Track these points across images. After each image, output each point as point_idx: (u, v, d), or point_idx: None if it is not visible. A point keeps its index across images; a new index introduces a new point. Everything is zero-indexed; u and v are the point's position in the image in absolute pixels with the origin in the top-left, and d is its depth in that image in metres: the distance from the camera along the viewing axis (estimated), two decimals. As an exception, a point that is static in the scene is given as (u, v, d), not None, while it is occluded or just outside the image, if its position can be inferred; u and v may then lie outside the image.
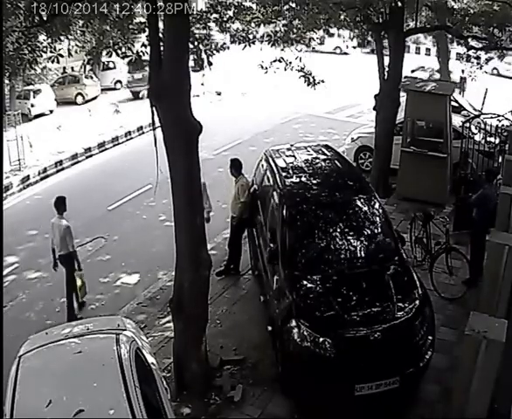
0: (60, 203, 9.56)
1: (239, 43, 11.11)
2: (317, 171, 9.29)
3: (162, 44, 6.60)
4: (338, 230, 8.01)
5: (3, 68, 7.75)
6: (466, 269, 9.42)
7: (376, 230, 8.26)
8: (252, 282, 9.96)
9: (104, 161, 19.40)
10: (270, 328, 7.68)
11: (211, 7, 10.48)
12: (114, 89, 30.23)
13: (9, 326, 8.08)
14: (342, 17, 12.36)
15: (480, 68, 21.37)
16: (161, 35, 6.67)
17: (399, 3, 11.31)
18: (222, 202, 12.85)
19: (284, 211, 8.07)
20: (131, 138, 21.74)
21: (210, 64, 9.90)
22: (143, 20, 8.23)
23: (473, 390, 4.56)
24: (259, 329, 8.34)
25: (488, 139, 12.81)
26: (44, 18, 6.92)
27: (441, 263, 9.37)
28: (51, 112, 26.02)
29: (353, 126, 19.06)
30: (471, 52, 15.23)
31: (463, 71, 24.58)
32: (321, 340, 6.60)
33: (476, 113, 15.63)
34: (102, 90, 29.70)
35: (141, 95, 26.50)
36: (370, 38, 14.14)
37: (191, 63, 8.52)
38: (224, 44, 10.90)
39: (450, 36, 19.36)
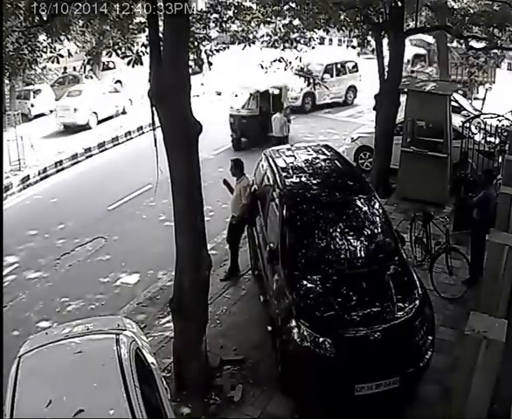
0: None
1: (239, 43, 11.11)
2: (317, 171, 9.29)
3: (162, 44, 6.60)
4: (338, 229, 8.00)
5: (3, 68, 7.76)
6: (466, 269, 9.42)
7: (376, 230, 8.25)
8: (252, 282, 9.96)
9: (104, 161, 19.38)
10: (270, 328, 7.68)
11: (210, 7, 10.49)
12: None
13: (9, 326, 8.10)
14: (342, 17, 12.37)
15: (481, 68, 21.39)
16: (161, 35, 6.67)
17: (399, 3, 11.31)
18: (222, 202, 12.84)
19: (284, 211, 8.07)
20: (131, 138, 21.74)
21: (209, 64, 9.90)
22: (143, 20, 8.23)
23: (473, 390, 4.56)
24: (259, 329, 8.33)
25: (488, 139, 12.79)
26: (45, 18, 6.91)
27: (441, 263, 9.37)
28: (51, 112, 26.00)
29: (353, 126, 19.06)
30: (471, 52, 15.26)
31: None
32: (321, 339, 6.59)
33: (476, 113, 15.62)
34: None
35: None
36: (369, 38, 14.12)
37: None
38: (224, 43, 10.91)
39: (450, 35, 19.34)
